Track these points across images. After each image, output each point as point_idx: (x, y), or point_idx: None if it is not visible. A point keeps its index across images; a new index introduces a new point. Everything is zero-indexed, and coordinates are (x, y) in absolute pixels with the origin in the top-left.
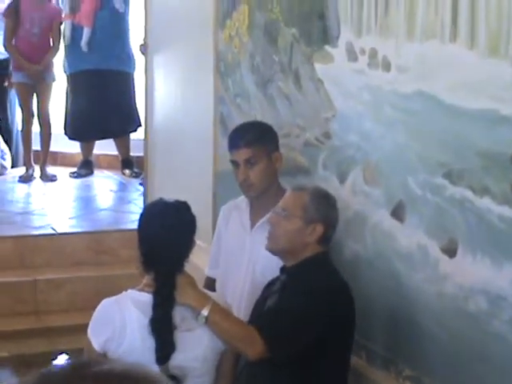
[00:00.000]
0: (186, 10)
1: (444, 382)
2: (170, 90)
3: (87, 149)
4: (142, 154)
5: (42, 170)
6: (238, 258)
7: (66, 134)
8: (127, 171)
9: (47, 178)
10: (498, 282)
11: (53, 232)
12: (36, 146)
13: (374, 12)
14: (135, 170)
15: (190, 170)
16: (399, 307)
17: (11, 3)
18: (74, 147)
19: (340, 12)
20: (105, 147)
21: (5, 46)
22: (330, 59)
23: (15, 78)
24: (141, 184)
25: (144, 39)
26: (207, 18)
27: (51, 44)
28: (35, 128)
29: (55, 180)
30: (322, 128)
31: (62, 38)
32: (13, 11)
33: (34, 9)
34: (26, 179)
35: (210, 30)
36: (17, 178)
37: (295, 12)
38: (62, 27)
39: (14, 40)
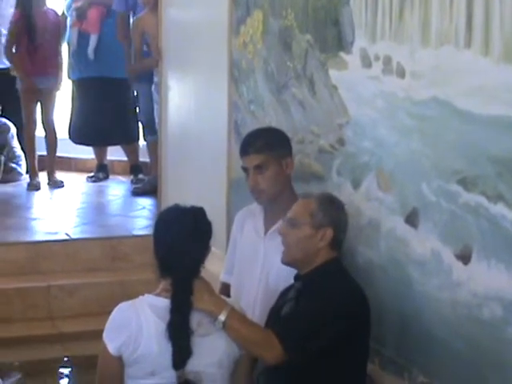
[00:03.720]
0: (201, 16)
1: None
2: (184, 97)
3: (100, 153)
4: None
5: (50, 176)
6: (251, 263)
7: (70, 138)
8: (132, 177)
9: (55, 184)
10: None
11: (66, 238)
12: (42, 151)
13: (389, 18)
14: (140, 176)
15: (203, 177)
16: (412, 314)
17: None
18: (86, 153)
19: (354, 18)
20: (119, 153)
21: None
22: (344, 65)
23: (20, 84)
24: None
25: (158, 45)
26: (221, 25)
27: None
28: (40, 133)
29: (62, 186)
30: (336, 134)
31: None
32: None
33: (41, 19)
34: (34, 188)
35: (225, 37)
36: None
37: (309, 18)
38: (68, 34)
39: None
